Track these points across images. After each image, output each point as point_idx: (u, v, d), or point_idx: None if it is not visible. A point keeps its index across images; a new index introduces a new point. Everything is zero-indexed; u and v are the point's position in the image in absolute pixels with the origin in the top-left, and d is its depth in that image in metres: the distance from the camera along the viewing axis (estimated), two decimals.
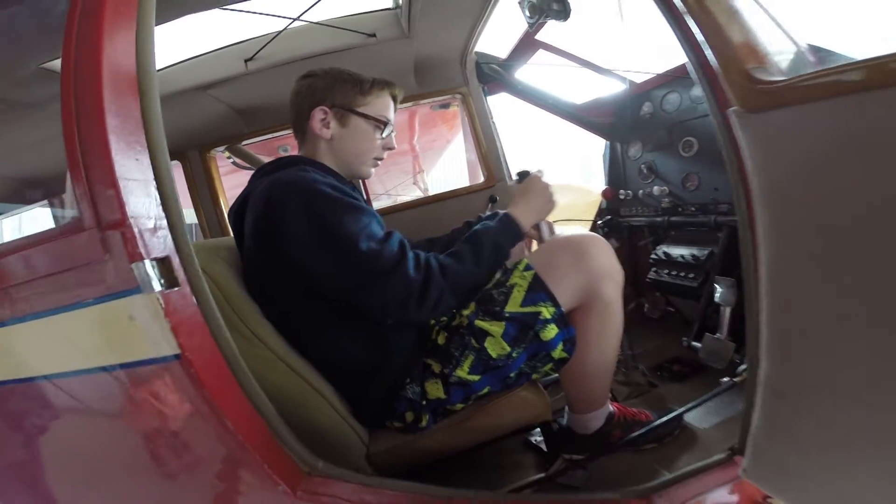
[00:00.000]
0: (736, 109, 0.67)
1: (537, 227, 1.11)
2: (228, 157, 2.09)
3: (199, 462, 0.64)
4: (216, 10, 1.31)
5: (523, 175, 1.14)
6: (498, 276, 1.00)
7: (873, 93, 0.51)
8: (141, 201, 0.55)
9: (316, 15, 1.50)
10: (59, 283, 0.56)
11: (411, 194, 4.68)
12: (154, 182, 0.57)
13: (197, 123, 1.80)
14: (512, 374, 0.97)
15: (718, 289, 1.44)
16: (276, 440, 0.66)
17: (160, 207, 0.57)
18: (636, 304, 2.12)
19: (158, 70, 1.59)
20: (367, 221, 0.90)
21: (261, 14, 1.31)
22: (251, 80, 1.61)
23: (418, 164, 4.15)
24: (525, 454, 1.24)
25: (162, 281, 0.55)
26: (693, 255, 1.63)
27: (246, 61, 1.54)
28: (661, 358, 1.71)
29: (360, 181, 1.23)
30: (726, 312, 1.42)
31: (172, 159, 1.83)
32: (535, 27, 1.42)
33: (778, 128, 0.63)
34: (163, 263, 0.55)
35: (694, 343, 1.52)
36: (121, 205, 0.52)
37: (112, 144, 0.53)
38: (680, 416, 1.20)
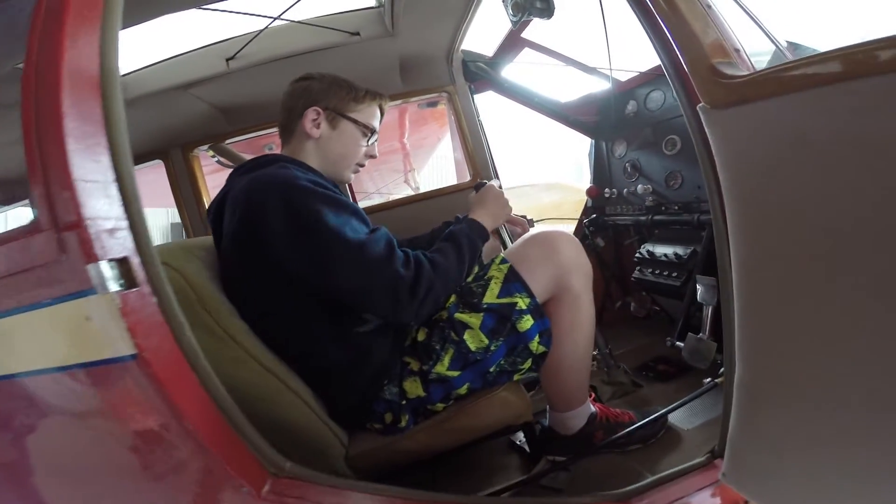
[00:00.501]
0: (703, 106, 0.67)
1: (497, 231, 1.20)
2: (213, 156, 2.07)
3: (159, 462, 0.63)
4: (197, 10, 1.29)
5: (479, 186, 1.21)
6: (477, 270, 1.03)
7: (835, 86, 0.51)
8: (99, 203, 0.54)
9: (299, 13, 1.49)
10: (19, 284, 0.55)
11: (402, 192, 4.68)
12: (115, 183, 0.57)
13: (179, 122, 1.78)
14: (492, 370, 0.98)
15: (700, 288, 1.44)
16: (240, 440, 0.65)
17: (121, 208, 0.57)
18: (622, 304, 2.13)
19: (139, 69, 1.61)
20: (349, 216, 0.90)
21: (241, 13, 1.30)
22: (233, 78, 1.59)
23: (409, 163, 4.14)
24: (509, 455, 1.25)
25: (121, 281, 0.54)
26: (676, 254, 1.63)
27: (227, 60, 1.53)
28: (646, 357, 1.72)
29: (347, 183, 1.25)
30: (708, 312, 1.42)
31: (155, 158, 1.85)
32: (518, 25, 1.42)
33: (742, 124, 0.63)
34: (122, 264, 0.55)
35: (678, 343, 1.52)
36: (76, 206, 0.51)
37: (69, 146, 0.52)
38: (663, 417, 1.20)
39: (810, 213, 0.56)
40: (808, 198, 0.56)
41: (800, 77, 0.53)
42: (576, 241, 1.07)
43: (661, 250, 1.71)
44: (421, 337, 0.99)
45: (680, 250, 1.63)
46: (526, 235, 1.12)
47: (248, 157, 2.11)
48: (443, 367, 0.95)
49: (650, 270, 1.74)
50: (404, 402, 0.96)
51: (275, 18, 1.38)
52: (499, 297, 0.97)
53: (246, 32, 1.50)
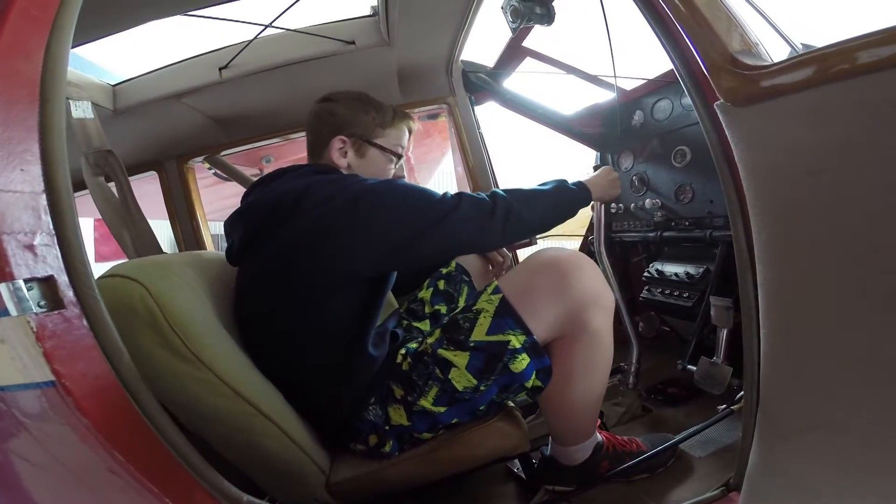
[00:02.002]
0: (722, 104, 0.58)
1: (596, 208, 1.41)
2: (210, 168, 2.04)
3: (89, 496, 0.57)
4: (188, 18, 1.26)
5: (597, 167, 1.28)
6: (467, 297, 0.97)
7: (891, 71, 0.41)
8: (20, 216, 0.48)
9: (293, 22, 1.46)
10: None
11: None
12: (44, 195, 0.51)
13: (173, 133, 1.76)
14: (482, 407, 0.90)
15: (714, 310, 1.35)
16: (188, 474, 0.59)
17: (49, 223, 0.50)
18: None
19: (132, 78, 1.58)
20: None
21: (231, 20, 1.27)
22: (227, 88, 1.56)
23: (414, 178, 4.10)
24: (505, 483, 1.17)
25: (42, 303, 0.48)
26: (687, 273, 1.54)
27: (220, 69, 1.50)
28: (655, 380, 1.63)
29: None
30: (723, 335, 1.33)
31: (149, 170, 1.82)
32: (518, 32, 1.37)
33: (772, 123, 0.53)
34: (45, 283, 0.48)
35: (689, 366, 1.43)
36: None
37: None
38: (673, 446, 1.11)
39: (857, 229, 0.46)
40: (855, 211, 0.46)
41: (852, 61, 0.42)
42: (594, 268, 0.91)
43: (672, 269, 1.62)
44: (405, 367, 0.90)
45: (691, 269, 1.54)
46: (531, 258, 0.95)
47: (244, 169, 2.09)
48: (427, 403, 0.87)
49: (660, 290, 1.65)
50: (388, 427, 0.89)
51: (266, 26, 1.35)
52: (488, 333, 0.86)
53: (239, 41, 1.47)
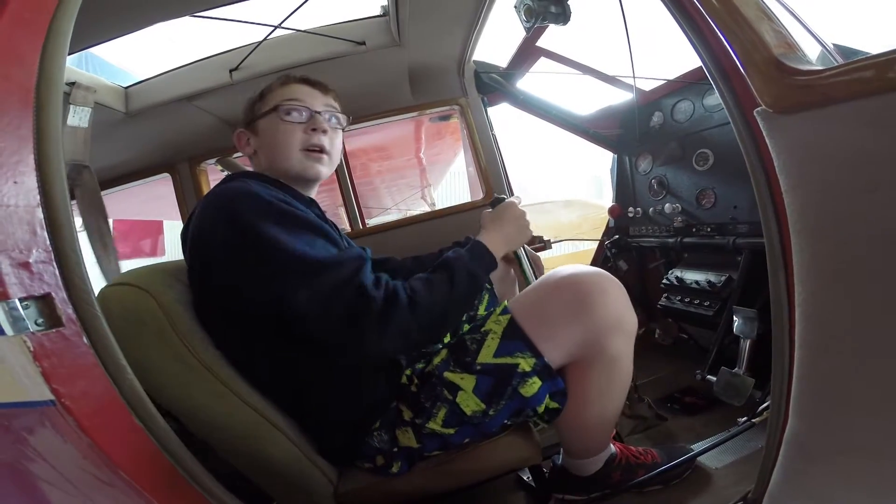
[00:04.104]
0: (763, 110, 0.54)
1: (515, 254, 1.03)
2: (221, 170, 2.04)
3: None
4: (198, 20, 1.26)
5: (496, 201, 1.04)
6: (477, 319, 0.89)
7: None
8: (14, 231, 0.46)
9: (303, 23, 1.44)
10: None
11: (419, 209, 4.62)
12: (41, 208, 0.49)
13: (185, 136, 1.76)
14: (494, 430, 0.86)
15: (737, 320, 1.30)
16: (191, 486, 0.58)
17: (46, 237, 0.49)
18: (646, 330, 1.97)
19: (143, 81, 1.58)
20: (309, 233, 0.79)
21: (240, 22, 1.26)
22: (238, 90, 1.55)
23: (425, 178, 4.08)
24: (514, 493, 1.15)
25: (39, 321, 0.46)
26: (709, 281, 1.49)
27: (231, 71, 1.49)
28: (671, 388, 1.59)
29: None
30: (746, 345, 1.28)
31: (162, 172, 1.82)
32: (532, 32, 1.33)
33: (821, 132, 0.49)
34: (42, 301, 0.47)
35: (708, 376, 1.38)
36: None
37: None
38: (691, 459, 1.07)
39: None
40: None
41: None
42: (619, 290, 0.83)
43: (692, 277, 1.56)
44: (413, 388, 0.87)
45: (713, 277, 1.48)
46: (549, 276, 0.86)
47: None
48: (436, 425, 0.83)
49: (679, 298, 1.60)
50: (396, 449, 0.85)
51: (275, 27, 1.33)
52: (496, 356, 0.81)
53: (249, 43, 1.46)
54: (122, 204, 2.90)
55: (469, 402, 0.81)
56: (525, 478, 1.14)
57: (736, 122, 0.59)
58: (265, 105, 0.96)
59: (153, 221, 4.65)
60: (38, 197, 0.48)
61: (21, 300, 0.45)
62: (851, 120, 0.44)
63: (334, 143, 0.98)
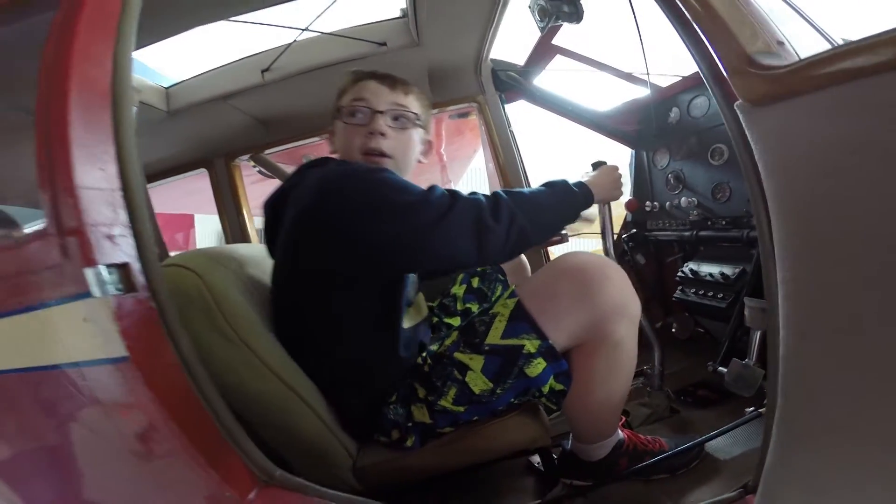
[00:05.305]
0: (741, 104, 0.59)
1: (601, 209, 1.19)
2: (254, 167, 2.16)
3: (148, 460, 0.64)
4: (232, 23, 1.36)
5: (598, 164, 1.12)
6: (484, 304, 0.96)
7: None
8: (102, 209, 0.55)
9: (328, 25, 1.53)
10: (25, 285, 0.58)
11: None
12: (121, 191, 0.58)
13: (221, 133, 1.88)
14: (501, 408, 0.91)
15: (748, 311, 1.32)
16: (230, 446, 0.65)
17: (125, 216, 0.58)
18: (663, 324, 1.99)
19: (183, 81, 1.70)
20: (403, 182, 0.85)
21: (270, 25, 1.35)
22: (269, 90, 1.66)
23: (445, 175, 4.13)
24: (524, 477, 1.19)
25: (119, 286, 0.55)
26: (722, 274, 1.50)
27: (263, 72, 1.59)
28: (686, 381, 1.60)
29: None
30: (756, 336, 1.30)
31: (200, 168, 1.95)
32: (548, 32, 1.38)
33: (789, 122, 0.54)
34: (121, 269, 0.56)
35: (720, 368, 1.40)
36: (78, 212, 0.53)
37: (75, 154, 0.54)
38: (695, 447, 1.10)
39: (877, 231, 0.46)
40: (874, 213, 0.46)
41: (869, 59, 0.43)
42: (622, 276, 0.87)
43: (707, 269, 1.58)
44: (426, 368, 0.93)
45: (727, 269, 1.50)
46: (555, 262, 0.91)
47: (286, 168, 2.20)
48: (447, 402, 0.88)
49: (693, 290, 1.61)
50: (410, 424, 0.91)
51: (303, 30, 1.42)
52: (503, 337, 0.85)
53: (279, 45, 1.56)
54: (158, 197, 3.08)
55: (478, 382, 0.86)
56: (535, 463, 1.18)
57: (725, 115, 0.64)
58: (337, 104, 1.00)
59: (185, 215, 4.86)
60: (119, 182, 0.57)
61: (106, 266, 0.54)
62: (811, 110, 0.48)
63: (399, 143, 0.97)
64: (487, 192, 0.87)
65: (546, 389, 0.89)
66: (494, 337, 0.86)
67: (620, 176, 1.08)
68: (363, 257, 0.84)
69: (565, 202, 0.93)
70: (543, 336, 0.85)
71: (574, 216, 0.96)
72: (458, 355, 0.88)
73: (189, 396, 0.61)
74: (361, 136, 0.94)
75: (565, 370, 0.88)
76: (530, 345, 0.85)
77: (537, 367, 0.85)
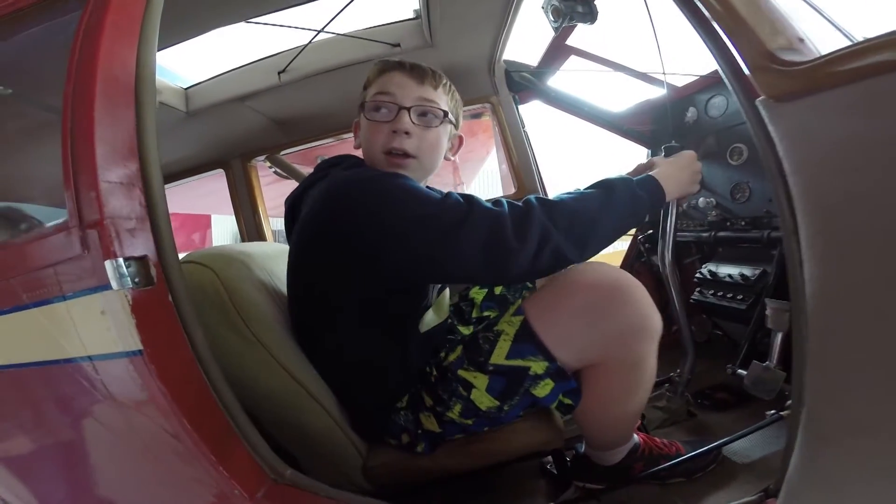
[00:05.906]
0: (764, 100, 0.58)
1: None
2: (270, 167, 2.19)
3: (160, 455, 0.65)
4: (248, 25, 1.38)
5: (671, 149, 0.94)
6: (492, 315, 0.92)
7: None
8: (122, 204, 0.57)
9: (343, 27, 1.55)
10: (46, 277, 0.59)
11: None
12: (141, 186, 0.59)
13: (238, 134, 1.91)
14: (510, 421, 0.90)
15: (769, 312, 1.28)
16: (241, 443, 0.65)
17: (144, 210, 0.59)
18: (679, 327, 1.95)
19: (201, 82, 1.74)
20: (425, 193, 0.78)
21: (287, 27, 1.37)
22: (285, 91, 1.68)
23: (458, 177, 4.14)
24: (536, 479, 1.17)
25: (137, 279, 0.56)
26: (742, 275, 1.47)
27: (279, 73, 1.61)
28: (704, 384, 1.56)
29: None
30: (777, 338, 1.26)
31: (217, 168, 1.99)
32: (562, 32, 1.37)
33: (815, 117, 0.52)
34: (140, 262, 0.57)
35: (740, 370, 1.36)
36: (100, 206, 0.54)
37: (98, 150, 0.56)
38: (712, 450, 1.07)
39: None
40: None
41: (894, 54, 0.42)
42: (642, 294, 0.78)
43: (726, 270, 1.54)
44: (433, 378, 0.90)
45: (747, 271, 1.46)
46: (567, 275, 0.81)
47: (302, 168, 2.22)
48: (454, 415, 0.86)
49: (712, 292, 1.58)
50: (420, 431, 0.90)
51: (318, 32, 1.44)
52: (508, 358, 0.80)
53: (294, 46, 1.58)
54: (176, 197, 3.15)
55: (483, 399, 0.83)
56: (548, 466, 1.16)
57: (746, 113, 0.63)
58: (363, 98, 0.92)
59: (202, 216, 4.96)
60: (140, 178, 0.59)
61: (125, 259, 0.55)
62: (836, 106, 0.47)
63: (424, 142, 0.88)
64: (519, 202, 0.75)
65: (554, 406, 0.87)
66: (499, 357, 0.81)
67: (700, 167, 0.90)
68: (369, 269, 0.81)
69: (626, 211, 0.77)
70: (551, 358, 0.79)
71: (636, 224, 0.90)
72: (461, 372, 0.84)
73: (202, 392, 0.62)
74: (384, 135, 0.87)
75: (574, 388, 0.84)
76: (537, 366, 0.80)
77: (545, 388, 0.81)
